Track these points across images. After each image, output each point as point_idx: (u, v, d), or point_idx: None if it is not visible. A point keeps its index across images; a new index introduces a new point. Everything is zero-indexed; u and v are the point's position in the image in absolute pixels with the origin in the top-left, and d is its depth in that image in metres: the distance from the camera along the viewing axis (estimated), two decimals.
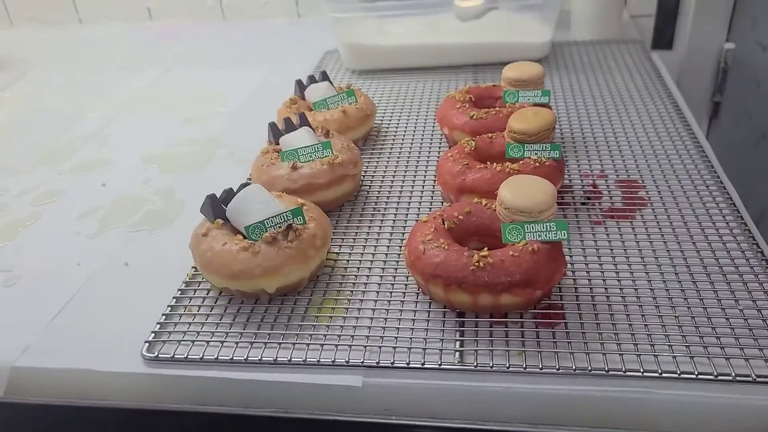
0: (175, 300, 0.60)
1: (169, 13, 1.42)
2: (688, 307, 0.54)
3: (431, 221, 0.58)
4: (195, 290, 0.61)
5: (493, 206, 0.58)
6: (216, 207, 0.60)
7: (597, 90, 0.93)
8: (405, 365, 0.51)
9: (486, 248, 0.54)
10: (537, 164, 0.65)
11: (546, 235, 0.54)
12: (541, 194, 0.55)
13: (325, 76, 0.86)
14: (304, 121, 0.74)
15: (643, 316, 0.54)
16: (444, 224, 0.58)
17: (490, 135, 0.71)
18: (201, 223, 0.61)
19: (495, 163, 0.66)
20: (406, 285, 0.59)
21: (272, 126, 0.73)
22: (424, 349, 0.52)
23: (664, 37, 1.24)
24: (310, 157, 0.69)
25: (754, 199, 1.36)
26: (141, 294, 0.62)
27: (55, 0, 1.43)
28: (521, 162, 0.66)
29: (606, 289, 0.57)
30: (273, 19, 1.38)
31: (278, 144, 0.72)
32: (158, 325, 0.57)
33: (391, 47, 1.04)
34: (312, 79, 0.86)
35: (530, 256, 0.53)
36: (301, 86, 0.85)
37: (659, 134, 0.80)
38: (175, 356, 0.53)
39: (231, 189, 0.61)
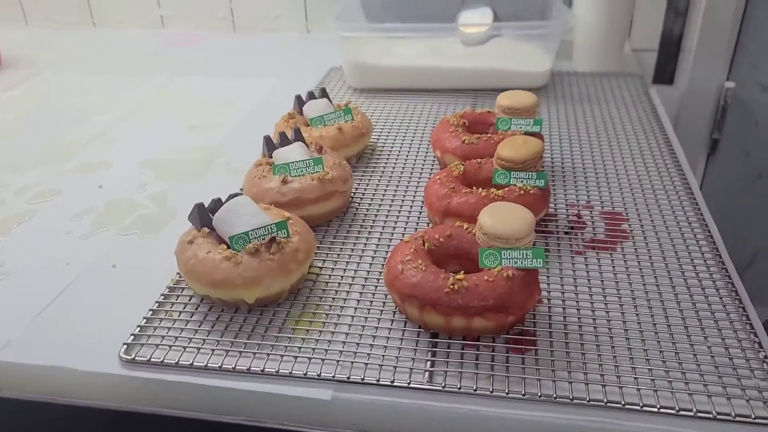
0: (157, 304, 0.61)
1: (181, 22, 1.44)
2: (658, 341, 0.55)
3: (412, 242, 0.60)
4: (178, 296, 0.62)
5: (474, 231, 0.59)
6: (203, 216, 0.61)
7: (592, 121, 0.94)
8: (375, 382, 0.52)
9: (463, 272, 0.55)
10: (522, 192, 0.66)
11: (522, 263, 0.55)
12: (519, 222, 0.56)
13: (324, 93, 0.87)
14: (298, 137, 0.75)
15: (612, 347, 0.54)
16: (424, 245, 0.59)
17: (479, 160, 0.73)
18: (188, 230, 0.63)
19: (480, 189, 0.67)
20: (384, 303, 0.61)
21: (267, 139, 0.75)
22: (395, 367, 0.53)
23: (665, 72, 1.26)
24: (301, 172, 0.71)
25: (747, 237, 1.37)
26: (125, 296, 0.63)
27: (70, 2, 1.46)
28: (506, 189, 0.67)
29: (579, 318, 0.58)
30: (283, 33, 1.40)
31: (272, 157, 0.74)
32: (138, 328, 0.58)
33: (393, 67, 1.06)
34: (311, 96, 0.87)
35: (504, 282, 0.54)
36: (300, 101, 0.87)
37: (648, 169, 0.81)
38: (152, 360, 0.55)
39: (219, 199, 0.62)
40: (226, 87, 1.15)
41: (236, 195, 0.63)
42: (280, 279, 0.58)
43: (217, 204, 0.62)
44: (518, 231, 0.56)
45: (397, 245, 0.61)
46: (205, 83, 1.17)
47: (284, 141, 0.75)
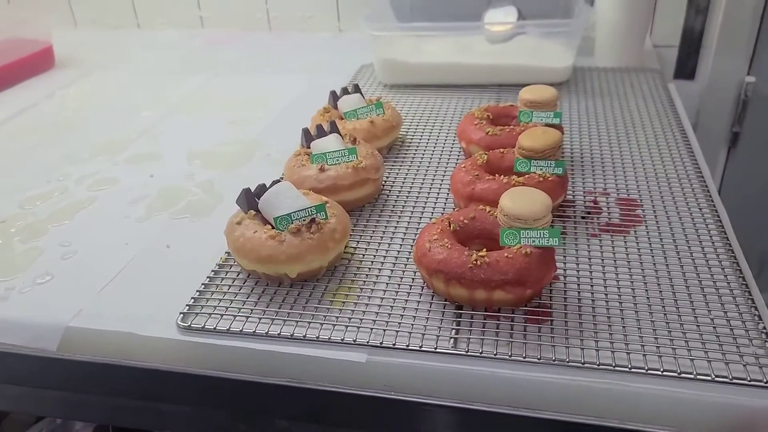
0: (208, 279, 0.68)
1: (219, 22, 1.52)
2: (665, 314, 0.60)
3: (439, 223, 0.65)
4: (227, 272, 0.69)
5: (496, 213, 0.65)
6: (250, 199, 0.68)
7: (611, 115, 0.99)
8: (405, 347, 0.58)
9: (485, 249, 0.61)
10: (541, 179, 0.72)
11: (539, 241, 0.61)
12: (537, 204, 0.62)
13: (357, 89, 0.94)
14: (334, 129, 0.81)
15: (622, 318, 0.59)
16: (450, 226, 0.65)
17: (501, 150, 0.78)
18: (236, 213, 0.69)
19: (503, 176, 0.72)
20: (413, 279, 0.66)
21: (305, 131, 0.81)
22: (423, 334, 0.59)
23: (686, 67, 1.29)
24: (337, 160, 0.77)
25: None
26: (179, 272, 0.70)
27: (116, 5, 1.54)
28: (527, 176, 0.72)
29: (592, 294, 0.63)
30: (316, 32, 1.47)
31: (309, 147, 0.80)
32: (192, 300, 0.65)
33: (421, 64, 1.12)
34: (345, 91, 0.94)
35: (522, 258, 0.59)
36: (334, 96, 0.93)
37: (663, 159, 0.86)
38: (206, 327, 0.61)
39: (264, 184, 0.69)
40: (262, 84, 1.22)
41: (278, 181, 0.69)
42: (320, 256, 0.65)
43: (262, 189, 0.68)
44: (536, 212, 0.61)
45: (425, 226, 0.67)
46: (243, 81, 1.24)
47: (321, 133, 0.81)
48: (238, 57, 1.38)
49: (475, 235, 0.66)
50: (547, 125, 0.82)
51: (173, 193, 0.86)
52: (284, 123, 1.05)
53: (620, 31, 1.13)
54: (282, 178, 0.81)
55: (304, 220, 0.65)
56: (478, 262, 0.59)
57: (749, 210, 1.38)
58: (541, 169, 0.73)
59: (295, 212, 0.65)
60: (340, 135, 0.81)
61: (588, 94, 1.06)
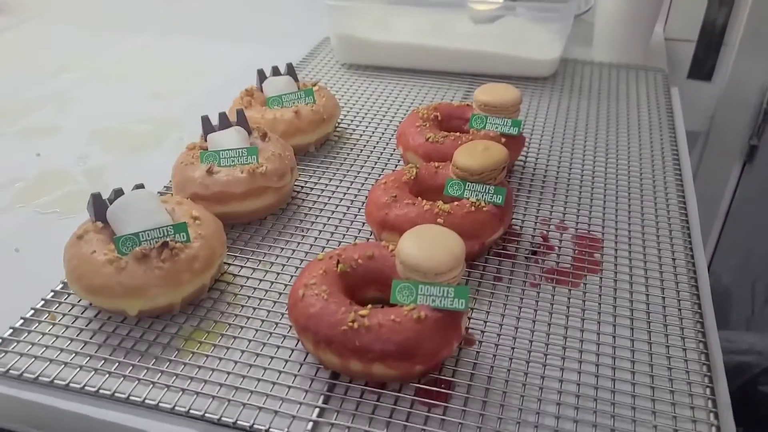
0: (43, 303, 0.54)
1: None
2: (594, 411, 0.45)
3: (325, 261, 0.51)
4: (69, 294, 0.56)
5: None
6: (99, 207, 0.54)
7: (593, 123, 0.82)
8: (248, 426, 0.45)
9: (369, 306, 0.47)
10: (473, 208, 0.57)
11: (440, 302, 0.46)
12: (444, 253, 0.47)
13: (290, 69, 0.79)
14: (241, 119, 0.67)
15: (537, 414, 0.45)
16: (337, 266, 0.51)
17: (436, 164, 0.63)
18: (83, 222, 0.56)
19: (425, 200, 0.58)
20: (290, 327, 0.52)
21: (205, 120, 0.67)
22: (276, 411, 0.46)
23: (703, 66, 1.12)
24: (232, 162, 0.62)
25: None
26: (15, 289, 0.57)
27: None
28: (456, 203, 0.57)
29: (509, 371, 0.49)
30: None
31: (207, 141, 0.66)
32: (10, 331, 0.52)
33: (383, 43, 0.96)
34: (276, 71, 0.79)
35: (413, 324, 0.45)
36: (261, 77, 0.78)
37: (643, 187, 0.70)
38: (10, 371, 0.48)
39: (120, 189, 0.55)
40: (209, 50, 1.07)
41: (141, 186, 0.55)
42: (169, 291, 0.51)
43: (117, 195, 0.55)
44: (439, 264, 0.46)
45: (310, 263, 0.52)
46: (188, 45, 1.10)
47: (224, 123, 0.66)
48: (196, 16, 1.23)
49: (372, 280, 0.51)
50: (503, 135, 0.67)
51: (52, 179, 0.72)
52: (216, 100, 0.89)
53: (622, 21, 0.95)
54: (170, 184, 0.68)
55: (154, 243, 0.51)
56: (355, 325, 0.45)
57: (762, 233, 1.21)
58: (477, 196, 0.58)
59: (144, 231, 0.51)
60: (247, 128, 0.67)
61: (573, 94, 0.90)
